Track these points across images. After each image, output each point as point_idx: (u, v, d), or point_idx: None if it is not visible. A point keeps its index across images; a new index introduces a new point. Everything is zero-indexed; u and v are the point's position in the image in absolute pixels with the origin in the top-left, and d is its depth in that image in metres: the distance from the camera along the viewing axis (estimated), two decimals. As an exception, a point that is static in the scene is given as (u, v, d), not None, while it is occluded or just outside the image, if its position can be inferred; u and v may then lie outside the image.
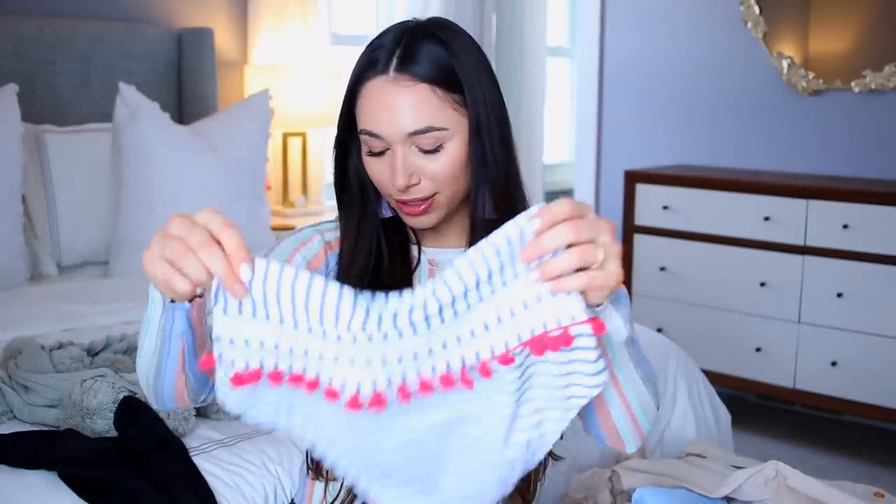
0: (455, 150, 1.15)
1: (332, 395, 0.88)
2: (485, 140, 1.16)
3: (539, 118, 4.72)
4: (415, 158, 1.14)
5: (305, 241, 1.23)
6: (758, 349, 3.22)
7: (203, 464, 1.48)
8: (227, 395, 0.87)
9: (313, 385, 0.88)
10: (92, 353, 1.78)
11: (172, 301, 0.96)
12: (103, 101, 3.08)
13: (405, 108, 1.12)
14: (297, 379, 0.88)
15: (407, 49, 1.13)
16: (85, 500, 1.36)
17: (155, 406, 1.13)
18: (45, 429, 1.54)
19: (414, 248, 1.26)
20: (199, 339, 1.02)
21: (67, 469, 1.39)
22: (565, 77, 5.21)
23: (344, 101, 1.19)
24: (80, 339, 1.91)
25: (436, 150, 1.14)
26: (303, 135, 3.67)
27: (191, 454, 1.50)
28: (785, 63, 3.43)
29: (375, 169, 1.17)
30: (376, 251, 1.22)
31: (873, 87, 3.24)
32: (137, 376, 1.14)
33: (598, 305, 0.94)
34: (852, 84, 3.29)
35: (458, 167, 1.15)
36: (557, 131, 5.17)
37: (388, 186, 1.16)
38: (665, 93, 3.82)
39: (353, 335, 0.88)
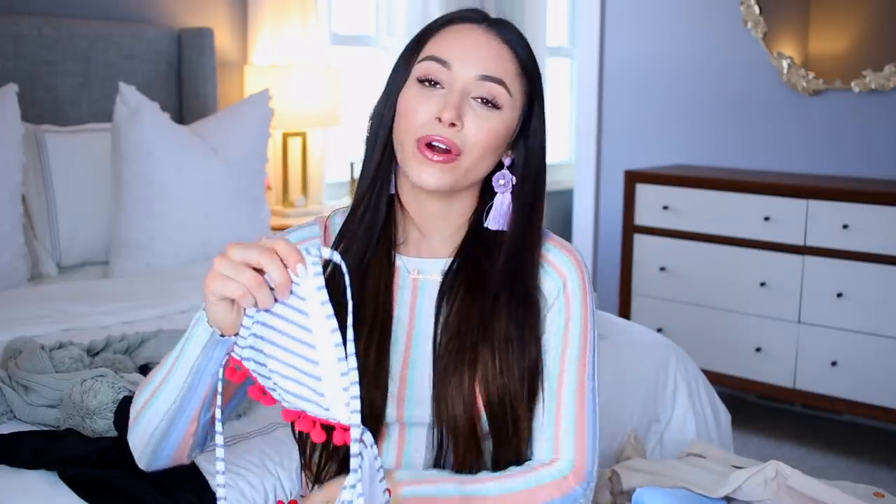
0: (502, 122, 1.14)
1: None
2: (530, 136, 1.18)
3: (539, 118, 4.71)
4: (465, 107, 1.12)
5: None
6: (758, 349, 3.22)
7: (203, 464, 1.48)
8: None
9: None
10: (92, 353, 1.78)
11: (222, 335, 0.97)
12: (103, 101, 3.08)
13: (489, 52, 1.14)
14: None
15: (501, 20, 1.19)
16: (85, 500, 1.36)
17: (145, 468, 1.12)
18: (45, 429, 1.54)
19: (397, 257, 1.21)
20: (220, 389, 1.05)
21: (67, 469, 1.39)
22: (565, 77, 5.21)
23: (405, 52, 1.18)
24: (80, 339, 1.91)
25: (489, 108, 1.13)
26: (303, 135, 3.66)
27: (191, 454, 1.49)
28: (785, 63, 3.43)
29: (418, 100, 1.13)
30: (374, 238, 1.18)
31: (873, 87, 3.24)
32: (131, 440, 1.11)
33: None
34: (852, 84, 3.29)
35: (495, 140, 1.14)
36: (557, 131, 5.16)
37: (425, 118, 1.12)
38: (665, 93, 3.82)
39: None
